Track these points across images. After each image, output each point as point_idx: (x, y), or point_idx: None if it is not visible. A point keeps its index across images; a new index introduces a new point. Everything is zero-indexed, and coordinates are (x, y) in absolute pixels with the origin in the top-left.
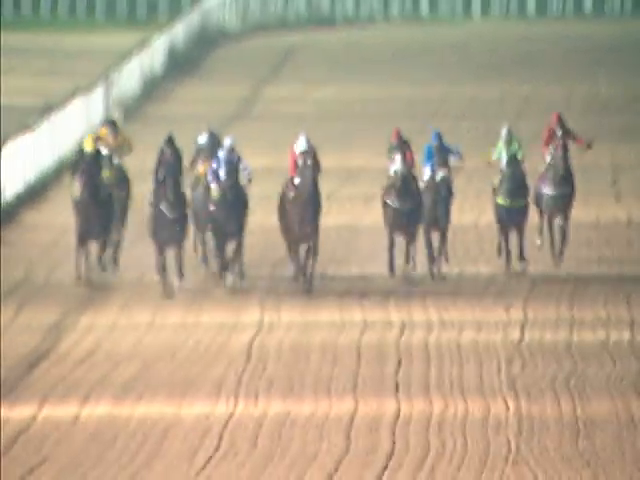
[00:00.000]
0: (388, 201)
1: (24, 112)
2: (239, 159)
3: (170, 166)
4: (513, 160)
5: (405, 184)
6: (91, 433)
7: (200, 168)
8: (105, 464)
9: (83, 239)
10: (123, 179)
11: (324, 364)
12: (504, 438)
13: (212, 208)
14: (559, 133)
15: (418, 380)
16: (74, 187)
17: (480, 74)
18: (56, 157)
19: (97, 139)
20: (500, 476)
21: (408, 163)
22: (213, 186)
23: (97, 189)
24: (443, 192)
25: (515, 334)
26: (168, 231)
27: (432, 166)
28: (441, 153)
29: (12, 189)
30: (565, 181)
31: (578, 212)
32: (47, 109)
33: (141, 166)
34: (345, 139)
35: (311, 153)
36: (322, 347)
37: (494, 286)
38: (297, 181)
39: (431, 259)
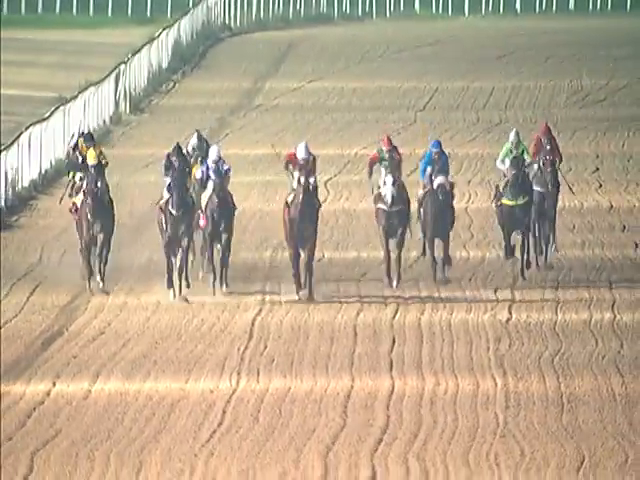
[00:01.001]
0: (380, 205)
1: (39, 103)
2: (225, 168)
3: (178, 174)
4: (518, 162)
5: (396, 190)
6: (102, 408)
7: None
8: (115, 437)
9: (87, 249)
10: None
11: (322, 343)
12: (492, 413)
13: (200, 216)
14: (547, 147)
15: (411, 358)
16: (76, 198)
17: (470, 67)
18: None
19: (76, 151)
20: (488, 449)
21: (398, 172)
22: (202, 194)
23: (100, 201)
24: (444, 198)
25: (503, 314)
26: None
27: (432, 173)
28: (440, 160)
29: (27, 176)
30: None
31: (562, 198)
32: (60, 101)
33: (149, 154)
34: (342, 129)
35: (306, 158)
36: (320, 327)
37: (483, 269)
38: (296, 188)
39: (434, 264)
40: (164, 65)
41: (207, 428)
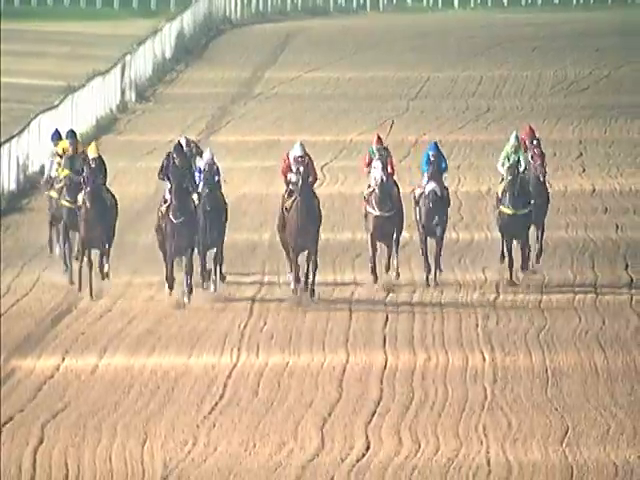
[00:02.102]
0: (369, 208)
1: (48, 92)
2: (218, 170)
3: (178, 172)
4: (514, 169)
5: (385, 193)
6: (109, 382)
7: None
8: (121, 410)
9: (85, 247)
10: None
11: (319, 320)
12: (481, 387)
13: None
14: (535, 141)
15: (403, 334)
16: (78, 196)
17: (459, 58)
18: (76, 133)
19: (60, 153)
20: (477, 421)
21: (388, 171)
22: (193, 196)
23: (101, 197)
24: (434, 205)
25: (491, 293)
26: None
27: (428, 174)
28: (436, 164)
29: (38, 161)
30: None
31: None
32: (69, 89)
33: (153, 141)
34: (338, 116)
35: (302, 161)
36: (317, 305)
37: (472, 250)
38: (294, 191)
39: (427, 267)
40: (168, 56)
41: (209, 401)
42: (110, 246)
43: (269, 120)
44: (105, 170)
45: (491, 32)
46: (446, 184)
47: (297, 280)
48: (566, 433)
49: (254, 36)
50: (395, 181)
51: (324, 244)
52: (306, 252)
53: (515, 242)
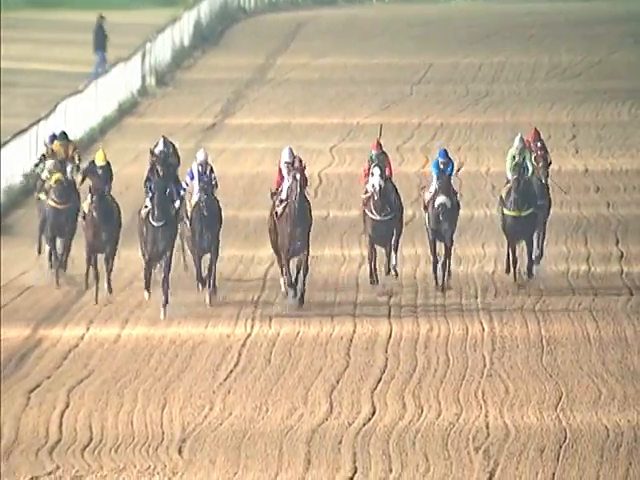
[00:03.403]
0: (367, 212)
1: (73, 78)
2: (212, 169)
3: (160, 182)
4: (519, 169)
5: (384, 197)
6: (130, 350)
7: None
8: (142, 376)
9: (92, 252)
10: (72, 193)
11: (327, 292)
12: (480, 355)
13: (187, 222)
14: (539, 144)
15: (407, 305)
16: (84, 202)
17: (460, 46)
18: (100, 116)
19: (52, 153)
20: (477, 387)
21: (387, 176)
22: (186, 201)
23: (107, 204)
24: (444, 217)
25: (489, 267)
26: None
27: (437, 185)
28: (445, 174)
29: None
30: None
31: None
32: (93, 75)
33: (172, 123)
34: (345, 101)
35: (298, 167)
36: (326, 278)
37: (471, 226)
38: (285, 196)
39: (435, 270)
40: (186, 43)
41: (224, 369)
42: (114, 255)
43: (281, 104)
44: (112, 177)
45: (490, 22)
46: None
47: (290, 285)
48: (560, 398)
49: (267, 25)
50: (394, 185)
51: (333, 221)
52: (297, 258)
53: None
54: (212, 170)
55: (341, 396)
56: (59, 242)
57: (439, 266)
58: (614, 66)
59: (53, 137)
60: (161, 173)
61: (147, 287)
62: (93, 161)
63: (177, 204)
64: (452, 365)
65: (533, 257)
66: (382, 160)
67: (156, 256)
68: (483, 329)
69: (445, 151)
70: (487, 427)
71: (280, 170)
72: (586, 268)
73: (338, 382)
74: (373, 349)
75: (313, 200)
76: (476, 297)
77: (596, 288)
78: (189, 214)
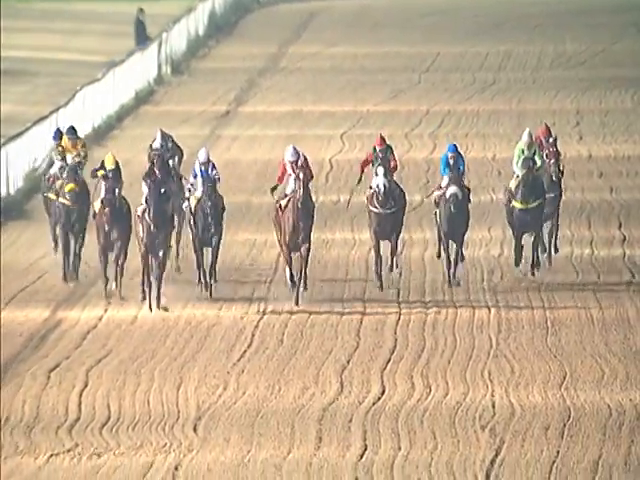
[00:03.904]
0: (371, 207)
1: (91, 67)
2: (214, 166)
3: (157, 183)
4: (528, 163)
5: (388, 192)
6: (147, 331)
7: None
8: (158, 357)
9: (104, 253)
10: (84, 192)
11: (338, 275)
12: (486, 336)
13: (190, 219)
14: (551, 140)
15: (415, 288)
16: (95, 202)
17: (467, 35)
18: (117, 104)
19: (63, 150)
20: (483, 367)
21: (391, 172)
22: (191, 198)
23: (118, 205)
24: (455, 209)
25: (496, 250)
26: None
27: (448, 177)
28: (455, 166)
29: (82, 130)
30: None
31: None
32: (111, 64)
33: (187, 111)
34: (355, 89)
35: (302, 165)
36: (336, 261)
37: (478, 210)
38: (289, 191)
39: (448, 265)
40: (201, 33)
41: (238, 349)
42: (125, 256)
43: (293, 92)
44: (121, 180)
45: (497, 12)
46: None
47: (292, 278)
48: (564, 378)
49: (279, 15)
50: (396, 182)
51: (343, 206)
52: (299, 252)
53: (527, 236)
54: (214, 167)
55: (351, 376)
56: (71, 241)
57: (451, 265)
58: (617, 55)
59: (58, 133)
60: (158, 172)
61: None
62: (103, 162)
63: (185, 204)
64: (459, 346)
65: (539, 251)
66: (387, 154)
67: (152, 254)
68: (489, 311)
69: (455, 146)
70: (493, 406)
71: (283, 166)
72: (590, 251)
73: (348, 362)
74: (382, 330)
75: (324, 186)
76: (482, 280)
77: (599, 270)
78: (192, 210)
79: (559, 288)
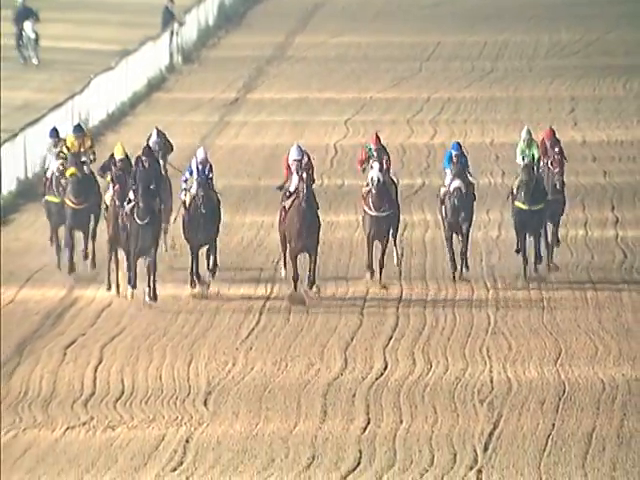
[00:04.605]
0: (365, 208)
1: (106, 56)
2: (211, 167)
3: (144, 178)
4: (529, 168)
5: (382, 193)
6: (159, 309)
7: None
8: (170, 334)
9: (113, 247)
10: (90, 189)
11: (342, 255)
12: (485, 314)
13: (185, 217)
14: (557, 148)
15: (417, 268)
16: (106, 195)
17: (466, 25)
18: (130, 91)
19: (67, 147)
20: (481, 344)
21: (385, 170)
22: (185, 196)
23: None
24: (460, 202)
25: (494, 232)
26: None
27: (452, 174)
28: (459, 163)
29: (97, 116)
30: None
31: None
32: (124, 53)
33: (198, 98)
34: (359, 77)
35: (306, 165)
36: (341, 242)
37: (476, 193)
38: (293, 189)
39: (453, 265)
40: (210, 23)
41: (246, 327)
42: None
43: (299, 80)
44: (131, 170)
45: (495, 3)
46: (471, 180)
47: (295, 279)
48: (559, 354)
49: (286, 6)
50: (392, 179)
51: (347, 189)
52: (302, 255)
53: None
54: (211, 169)
55: (355, 352)
56: (80, 238)
57: (457, 258)
58: (610, 44)
59: (54, 132)
60: (147, 166)
61: (130, 282)
62: (112, 155)
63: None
64: (459, 324)
65: (542, 251)
66: (381, 155)
67: (141, 252)
68: (488, 290)
69: (458, 144)
70: (491, 381)
71: (288, 166)
72: (584, 232)
73: (352, 339)
74: (385, 308)
75: (329, 170)
76: (481, 260)
77: (593, 251)
78: (187, 207)
79: (554, 268)
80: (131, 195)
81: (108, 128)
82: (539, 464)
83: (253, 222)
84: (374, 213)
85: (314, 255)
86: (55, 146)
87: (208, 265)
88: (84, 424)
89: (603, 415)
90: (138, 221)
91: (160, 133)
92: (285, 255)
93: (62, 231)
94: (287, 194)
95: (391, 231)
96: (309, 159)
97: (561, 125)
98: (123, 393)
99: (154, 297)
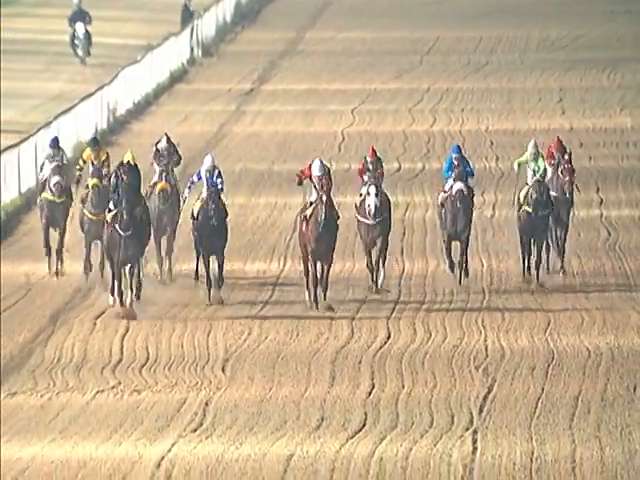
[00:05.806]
0: (360, 218)
1: (133, 50)
2: (220, 174)
3: (128, 189)
4: (541, 186)
5: (377, 206)
6: (180, 284)
7: (160, 184)
8: (190, 306)
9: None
10: (104, 201)
11: (349, 234)
12: (480, 287)
13: (194, 226)
14: (566, 156)
15: (417, 246)
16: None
17: (463, 21)
18: (154, 83)
19: (84, 161)
20: (477, 315)
21: (380, 180)
22: (195, 205)
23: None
24: (462, 204)
25: (488, 211)
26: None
27: (452, 178)
28: (460, 166)
29: (124, 105)
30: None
31: (534, 122)
32: (149, 47)
33: (216, 89)
34: (364, 69)
35: (326, 183)
36: (348, 222)
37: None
38: (313, 199)
39: (451, 267)
40: (228, 20)
41: (261, 299)
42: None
43: (309, 72)
44: (140, 177)
45: (490, 1)
46: (471, 184)
47: (314, 285)
48: (548, 325)
49: (297, 4)
50: (384, 192)
51: (353, 173)
52: (322, 262)
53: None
54: (220, 174)
55: (361, 323)
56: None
57: (456, 269)
58: (595, 39)
59: (55, 142)
60: (126, 178)
61: (112, 292)
62: (122, 162)
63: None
64: (456, 296)
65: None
66: (376, 167)
67: (124, 263)
68: (482, 265)
69: (458, 147)
70: (486, 349)
71: (309, 175)
72: (572, 212)
73: (358, 312)
74: (388, 283)
75: (337, 155)
76: (476, 237)
77: (579, 229)
78: (195, 215)
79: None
80: (111, 205)
81: (134, 117)
82: (530, 425)
83: (267, 203)
84: (370, 222)
85: (328, 266)
86: (54, 156)
87: (219, 274)
88: (112, 388)
89: (588, 380)
90: (121, 232)
91: (169, 141)
92: (304, 263)
93: (53, 231)
94: (308, 204)
95: (382, 237)
96: (329, 172)
97: (550, 113)
98: (148, 360)
99: (137, 297)
